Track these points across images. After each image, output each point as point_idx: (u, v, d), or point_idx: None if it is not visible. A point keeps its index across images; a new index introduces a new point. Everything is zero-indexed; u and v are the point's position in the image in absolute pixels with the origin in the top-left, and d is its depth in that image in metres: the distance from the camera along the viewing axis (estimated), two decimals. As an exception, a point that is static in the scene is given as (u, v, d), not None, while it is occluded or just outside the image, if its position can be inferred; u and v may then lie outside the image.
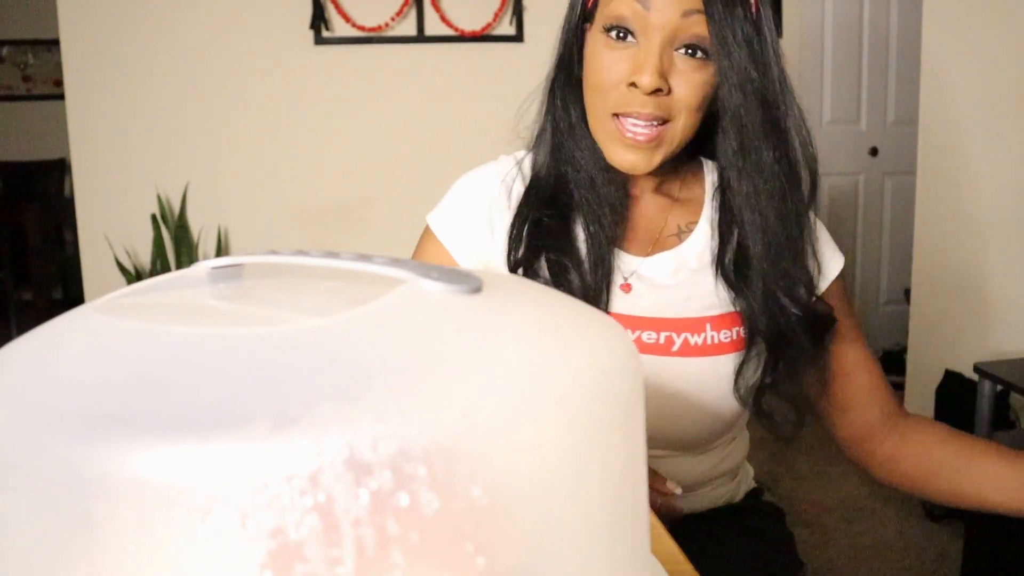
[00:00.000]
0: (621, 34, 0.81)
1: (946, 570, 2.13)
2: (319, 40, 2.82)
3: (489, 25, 2.87)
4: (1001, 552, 1.82)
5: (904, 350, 2.90)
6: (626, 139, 0.82)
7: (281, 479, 0.26)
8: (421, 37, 2.86)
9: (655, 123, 0.82)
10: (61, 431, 0.28)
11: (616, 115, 0.83)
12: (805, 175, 0.87)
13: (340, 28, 2.83)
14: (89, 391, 0.30)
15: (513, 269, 0.89)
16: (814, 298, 0.89)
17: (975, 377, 2.00)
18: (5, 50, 4.93)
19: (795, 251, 0.87)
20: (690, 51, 0.81)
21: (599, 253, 0.88)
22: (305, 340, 0.31)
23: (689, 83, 0.81)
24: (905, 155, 3.56)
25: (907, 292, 2.87)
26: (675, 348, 0.88)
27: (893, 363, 3.41)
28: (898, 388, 3.01)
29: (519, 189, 0.93)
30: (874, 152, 3.73)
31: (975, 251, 2.47)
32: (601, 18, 0.84)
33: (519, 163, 0.95)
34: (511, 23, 2.89)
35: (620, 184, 0.90)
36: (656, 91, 0.80)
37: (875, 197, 3.78)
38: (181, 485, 0.26)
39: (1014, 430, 2.27)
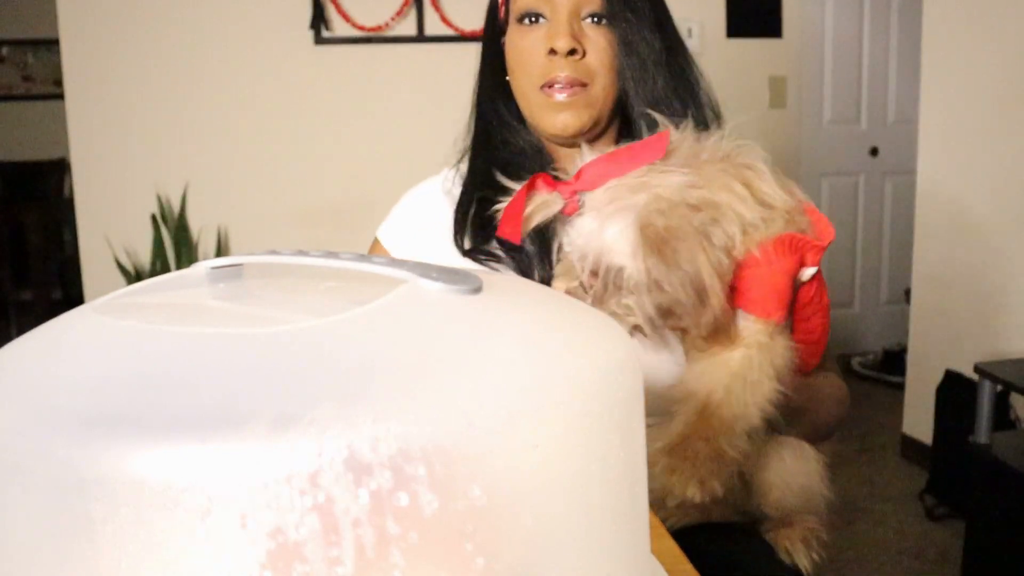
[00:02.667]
0: (533, 18, 0.95)
1: (946, 570, 2.13)
2: (319, 40, 2.82)
3: (489, 25, 2.87)
4: (1001, 552, 1.82)
5: (904, 350, 2.90)
6: (554, 102, 0.94)
7: (281, 479, 0.26)
8: (421, 37, 2.86)
9: (577, 87, 0.94)
10: (61, 431, 0.28)
11: (542, 87, 0.94)
12: (713, 120, 0.98)
13: (340, 28, 2.83)
14: (89, 391, 0.30)
15: (466, 253, 0.95)
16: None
17: (975, 377, 2.00)
18: (5, 50, 4.94)
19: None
20: (595, 19, 0.94)
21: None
22: (305, 340, 0.31)
23: (598, 46, 0.94)
24: (905, 155, 3.56)
25: (907, 292, 2.87)
26: None
27: (893, 363, 3.41)
28: (898, 388, 3.01)
29: (458, 191, 1.00)
30: (874, 152, 3.73)
31: (975, 251, 2.47)
32: (513, 14, 0.97)
33: (457, 166, 1.03)
34: (511, 23, 2.89)
35: (558, 165, 0.97)
36: (572, 52, 0.92)
37: (875, 197, 3.78)
38: (181, 485, 0.26)
39: (1014, 430, 2.27)
